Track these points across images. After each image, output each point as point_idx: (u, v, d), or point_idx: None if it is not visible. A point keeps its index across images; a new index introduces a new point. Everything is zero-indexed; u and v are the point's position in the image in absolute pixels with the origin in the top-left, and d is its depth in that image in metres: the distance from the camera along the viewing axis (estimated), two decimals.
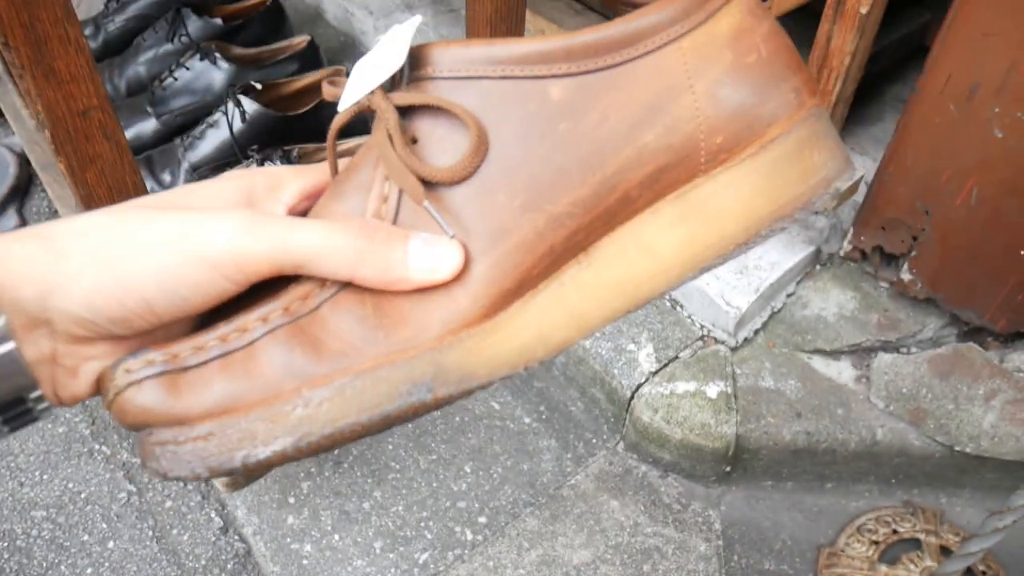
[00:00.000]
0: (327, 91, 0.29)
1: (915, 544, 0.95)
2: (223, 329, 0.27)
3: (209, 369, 0.26)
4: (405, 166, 0.26)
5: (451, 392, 0.26)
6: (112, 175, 0.63)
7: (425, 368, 0.26)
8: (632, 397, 0.99)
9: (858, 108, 1.10)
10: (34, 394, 0.26)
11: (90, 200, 0.64)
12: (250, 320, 0.27)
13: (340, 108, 0.28)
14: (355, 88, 0.28)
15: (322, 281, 0.27)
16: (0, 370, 0.25)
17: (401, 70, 0.28)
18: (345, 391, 0.25)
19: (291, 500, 1.00)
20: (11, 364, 0.25)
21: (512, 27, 0.82)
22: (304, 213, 0.30)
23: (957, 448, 0.95)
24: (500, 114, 0.27)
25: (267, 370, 0.26)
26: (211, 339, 0.27)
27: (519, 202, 0.27)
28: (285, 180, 0.30)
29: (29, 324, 0.26)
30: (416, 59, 0.27)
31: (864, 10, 0.77)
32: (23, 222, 1.35)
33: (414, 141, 0.27)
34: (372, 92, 0.27)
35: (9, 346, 0.25)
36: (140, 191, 0.66)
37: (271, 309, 0.27)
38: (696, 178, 0.28)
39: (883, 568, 0.92)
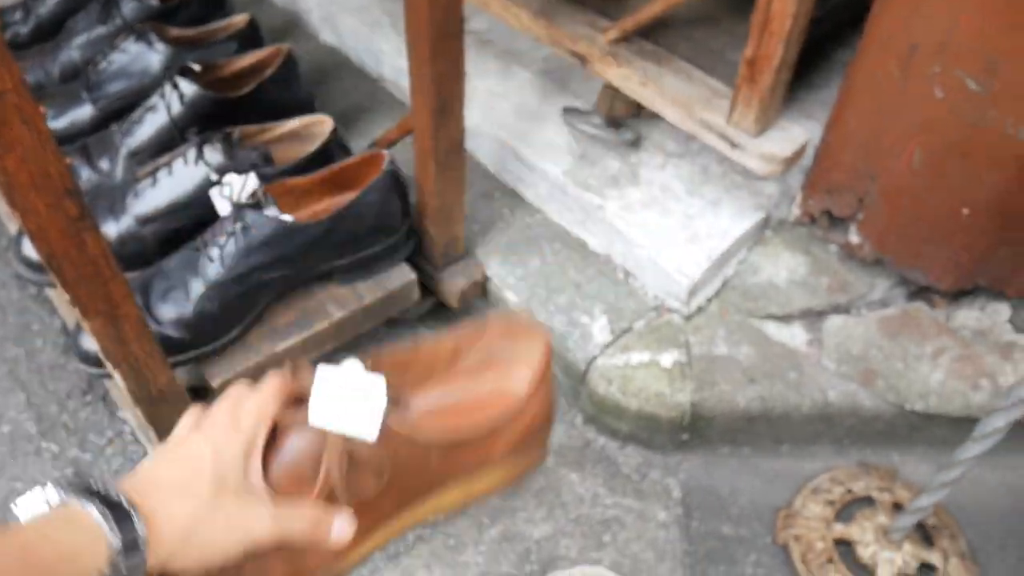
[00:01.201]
0: (285, 381, 0.43)
1: (869, 502, 0.97)
2: None
3: None
4: (343, 489, 0.42)
5: None
6: (33, 161, 0.61)
7: None
8: (587, 370, 0.99)
9: (805, 73, 1.10)
10: None
11: (11, 188, 0.61)
12: None
13: (310, 420, 0.40)
14: (324, 413, 0.40)
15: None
16: None
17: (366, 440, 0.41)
18: None
19: None
20: None
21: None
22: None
23: (907, 407, 0.97)
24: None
25: None
26: None
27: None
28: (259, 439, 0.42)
29: None
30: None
31: None
32: None
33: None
34: (342, 437, 0.40)
35: None
36: (65, 179, 0.63)
37: None
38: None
39: (838, 527, 0.94)
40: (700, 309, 1.03)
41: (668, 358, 0.98)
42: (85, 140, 1.15)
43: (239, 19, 1.26)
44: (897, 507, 0.95)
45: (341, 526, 0.42)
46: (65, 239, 0.66)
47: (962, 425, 0.98)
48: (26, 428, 1.07)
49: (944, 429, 0.99)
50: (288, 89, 1.17)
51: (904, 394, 0.97)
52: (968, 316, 1.00)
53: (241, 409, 0.42)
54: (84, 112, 1.20)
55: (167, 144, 1.09)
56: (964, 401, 0.96)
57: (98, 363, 0.86)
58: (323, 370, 0.41)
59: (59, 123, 1.18)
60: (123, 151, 1.10)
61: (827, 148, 0.94)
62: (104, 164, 1.11)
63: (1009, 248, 0.90)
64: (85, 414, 1.09)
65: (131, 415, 0.95)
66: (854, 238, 0.99)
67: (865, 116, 0.88)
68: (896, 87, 0.83)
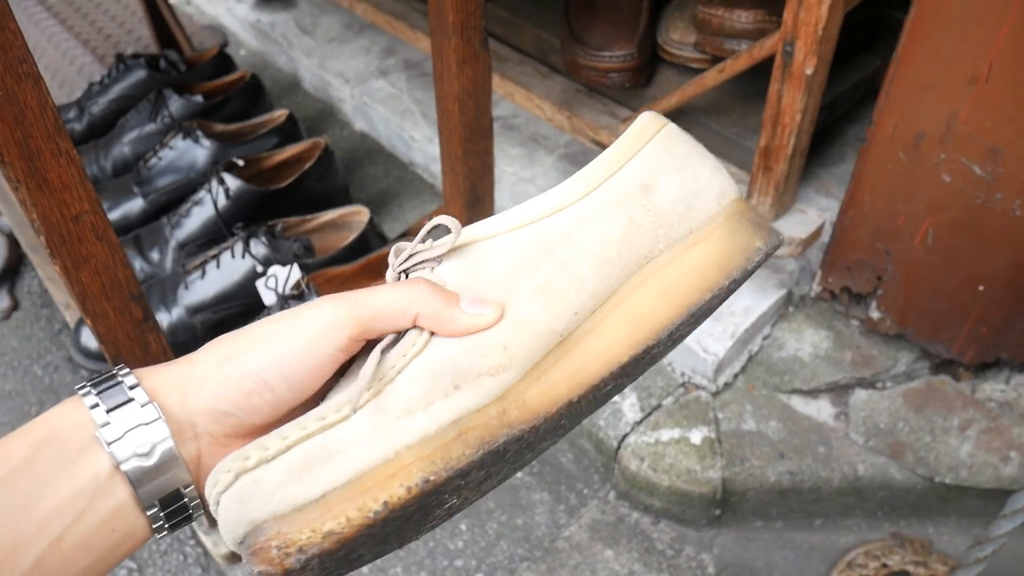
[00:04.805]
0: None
1: None
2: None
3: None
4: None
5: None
6: (105, 273, 0.66)
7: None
8: (619, 447, 1.02)
9: (820, 149, 1.15)
10: (189, 489, 0.31)
11: (84, 297, 0.67)
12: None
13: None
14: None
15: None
16: (161, 465, 0.29)
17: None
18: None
19: None
20: (171, 460, 0.30)
21: (479, 102, 0.86)
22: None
23: (937, 479, 0.98)
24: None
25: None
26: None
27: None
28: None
29: (177, 429, 0.30)
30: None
31: (810, 71, 0.82)
32: (15, 302, 1.38)
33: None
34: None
35: (168, 444, 0.30)
36: (132, 285, 0.69)
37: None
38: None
39: None
40: (727, 385, 1.05)
41: (697, 435, 1.01)
42: (137, 232, 1.22)
43: (279, 114, 1.34)
44: None
45: (473, 302, 0.33)
46: (131, 340, 0.71)
47: (994, 496, 0.99)
48: None
49: (977, 500, 1.00)
50: (326, 179, 1.24)
51: (934, 467, 0.98)
52: (994, 388, 1.01)
53: None
54: (135, 205, 1.28)
55: (213, 235, 1.16)
56: (994, 473, 0.97)
57: None
58: None
59: (112, 215, 1.25)
60: (172, 243, 1.17)
61: (844, 228, 0.98)
62: (155, 255, 1.18)
63: None
64: None
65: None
66: (875, 313, 1.02)
67: (878, 198, 0.92)
68: (905, 172, 0.87)
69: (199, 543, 1.05)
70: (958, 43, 0.77)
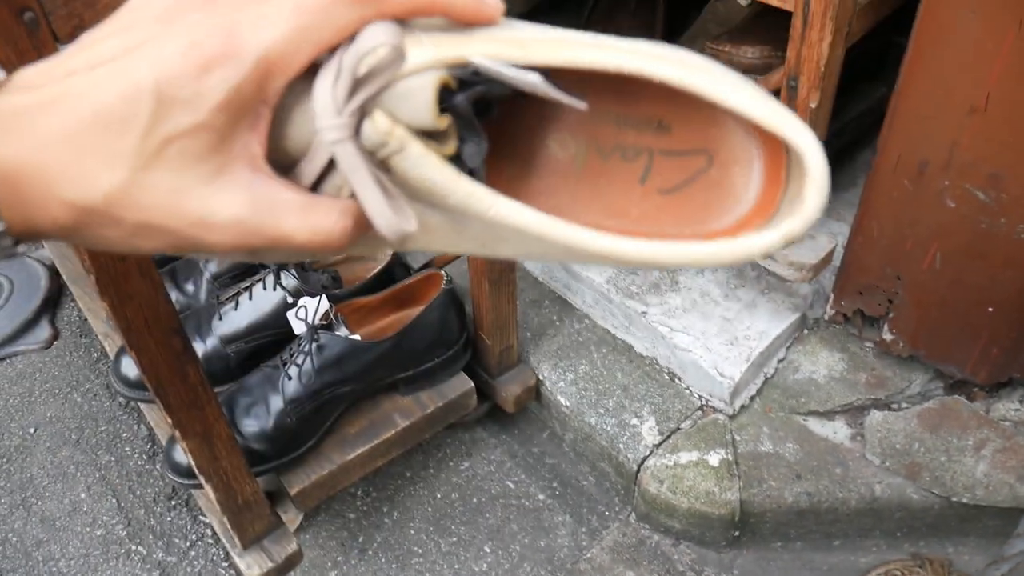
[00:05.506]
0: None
1: None
2: None
3: None
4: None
5: None
6: (148, 308, 0.71)
7: None
8: (639, 470, 1.04)
9: (830, 174, 1.17)
10: None
11: (129, 331, 0.71)
12: None
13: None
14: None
15: None
16: None
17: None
18: None
19: None
20: None
21: None
22: None
23: (954, 499, 0.99)
24: None
25: None
26: None
27: None
28: None
29: None
30: None
31: (814, 104, 0.85)
32: (55, 332, 1.44)
33: None
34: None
35: None
36: (173, 319, 0.73)
37: None
38: None
39: None
40: (744, 408, 1.08)
41: (715, 457, 1.03)
42: (173, 264, 1.27)
43: None
44: None
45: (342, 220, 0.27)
46: (171, 371, 0.76)
47: (1012, 515, 0.99)
48: (117, 532, 1.16)
49: (995, 520, 1.01)
50: None
51: (950, 487, 0.99)
52: (1007, 408, 1.03)
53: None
54: None
55: (245, 268, 1.21)
56: (1011, 492, 0.98)
57: (189, 475, 0.95)
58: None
59: None
60: (206, 275, 1.22)
61: (853, 253, 1.00)
62: (189, 287, 1.23)
63: None
64: (170, 518, 1.17)
65: (216, 521, 1.03)
66: (887, 336, 1.04)
67: (885, 224, 0.94)
68: (911, 198, 0.90)
69: (232, 565, 1.09)
70: (956, 75, 0.80)
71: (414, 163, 0.25)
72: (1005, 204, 0.83)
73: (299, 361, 0.98)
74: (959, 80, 0.80)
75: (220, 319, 1.10)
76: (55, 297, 1.48)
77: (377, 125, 0.25)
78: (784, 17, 0.85)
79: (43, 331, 1.43)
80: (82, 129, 0.24)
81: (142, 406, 1.22)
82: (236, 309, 1.10)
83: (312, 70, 0.25)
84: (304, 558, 1.01)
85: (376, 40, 0.24)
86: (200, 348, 1.09)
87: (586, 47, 0.26)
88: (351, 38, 0.25)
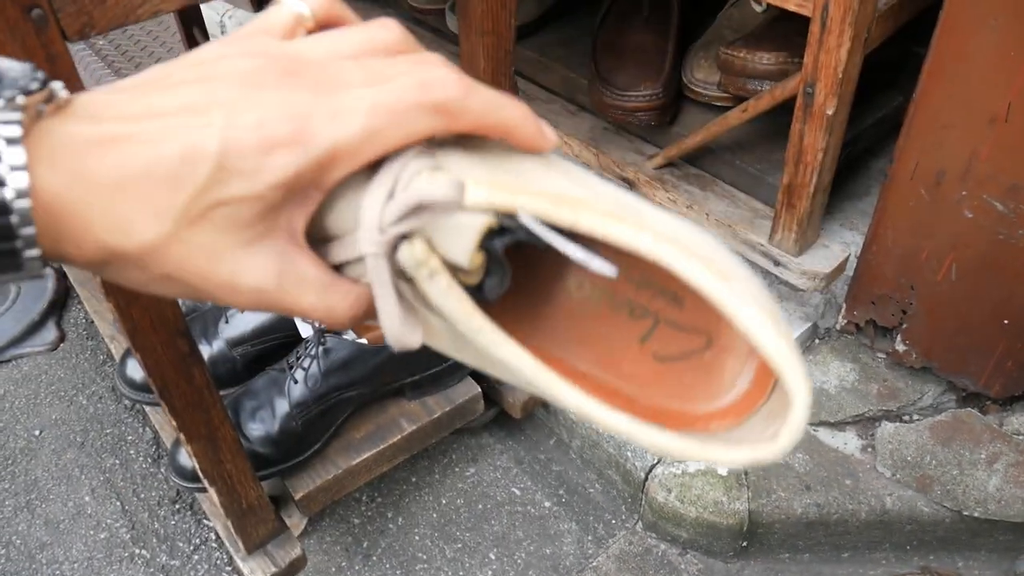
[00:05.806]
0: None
1: None
2: None
3: None
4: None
5: None
6: (154, 309, 0.70)
7: None
8: (646, 478, 1.03)
9: (845, 183, 1.16)
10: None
11: (135, 332, 0.71)
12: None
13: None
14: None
15: None
16: None
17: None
18: None
19: None
20: None
21: None
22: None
23: (966, 513, 0.98)
24: None
25: None
26: None
27: None
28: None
29: None
30: None
31: (830, 111, 0.84)
32: (62, 334, 1.44)
33: None
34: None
35: None
36: (179, 321, 0.72)
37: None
38: None
39: None
40: None
41: (724, 466, 1.02)
42: None
43: None
44: None
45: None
46: (176, 373, 0.75)
47: None
48: (120, 535, 1.15)
49: (1007, 534, 0.99)
50: None
51: (962, 500, 0.98)
52: (1021, 422, 1.01)
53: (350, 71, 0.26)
54: None
55: None
56: (1023, 507, 0.97)
57: (193, 478, 0.94)
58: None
59: None
60: None
61: (867, 262, 0.99)
62: None
63: None
64: (174, 522, 1.16)
65: (220, 525, 1.02)
66: (900, 346, 1.03)
67: (901, 234, 0.93)
68: (927, 208, 0.89)
69: (236, 569, 1.08)
70: (977, 84, 0.79)
71: (438, 292, 0.26)
72: (1023, 214, 0.82)
73: (305, 365, 0.97)
74: (980, 89, 0.78)
75: (226, 322, 1.09)
76: (62, 299, 1.48)
77: (415, 253, 0.25)
78: (800, 23, 0.84)
79: (49, 333, 1.43)
80: (136, 178, 0.24)
81: (147, 409, 1.21)
82: (242, 312, 1.09)
83: (371, 163, 0.26)
84: (308, 563, 1.00)
85: (440, 190, 0.25)
86: (206, 351, 1.08)
87: (634, 229, 0.26)
88: (416, 147, 0.26)
